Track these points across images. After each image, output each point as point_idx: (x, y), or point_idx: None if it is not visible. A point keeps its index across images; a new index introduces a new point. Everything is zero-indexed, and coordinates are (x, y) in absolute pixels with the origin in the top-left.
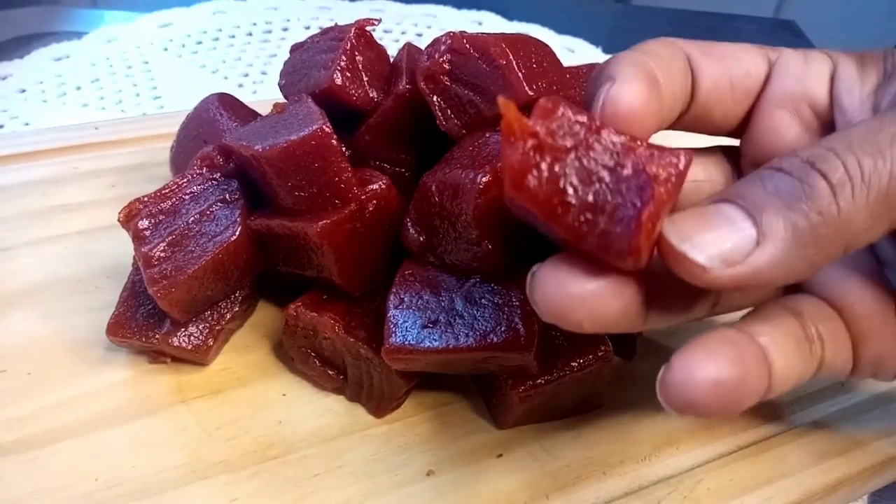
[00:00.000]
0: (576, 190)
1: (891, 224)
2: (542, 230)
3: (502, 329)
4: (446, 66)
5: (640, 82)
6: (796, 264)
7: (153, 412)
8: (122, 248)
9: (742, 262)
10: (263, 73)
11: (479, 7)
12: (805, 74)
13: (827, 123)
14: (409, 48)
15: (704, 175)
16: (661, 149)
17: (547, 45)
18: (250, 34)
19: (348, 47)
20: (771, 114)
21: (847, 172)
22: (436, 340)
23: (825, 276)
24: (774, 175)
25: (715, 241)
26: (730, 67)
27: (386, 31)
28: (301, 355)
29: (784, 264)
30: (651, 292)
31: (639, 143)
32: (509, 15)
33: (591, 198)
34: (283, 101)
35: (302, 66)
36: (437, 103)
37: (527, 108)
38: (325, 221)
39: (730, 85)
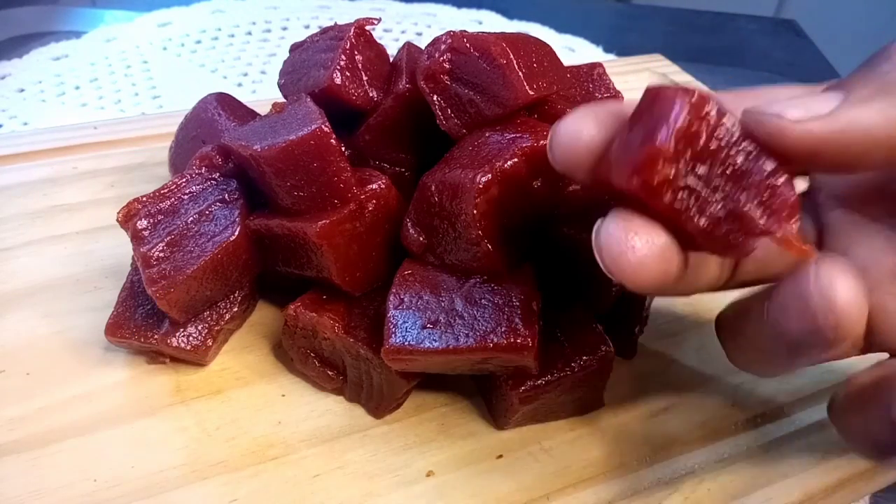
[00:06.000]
0: (706, 200)
1: None
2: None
3: (502, 329)
4: (446, 65)
5: None
6: (879, 119)
7: (152, 412)
8: (121, 248)
9: (829, 114)
10: (262, 73)
11: (479, 6)
12: None
13: None
14: (408, 47)
15: None
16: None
17: (547, 45)
18: (249, 33)
19: (348, 46)
20: None
21: None
22: (436, 341)
23: None
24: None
25: (799, 102)
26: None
27: (386, 31)
28: (300, 356)
29: (869, 119)
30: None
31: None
32: (510, 14)
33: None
34: (283, 100)
35: (301, 66)
36: (437, 103)
37: (528, 107)
38: (324, 221)
39: None
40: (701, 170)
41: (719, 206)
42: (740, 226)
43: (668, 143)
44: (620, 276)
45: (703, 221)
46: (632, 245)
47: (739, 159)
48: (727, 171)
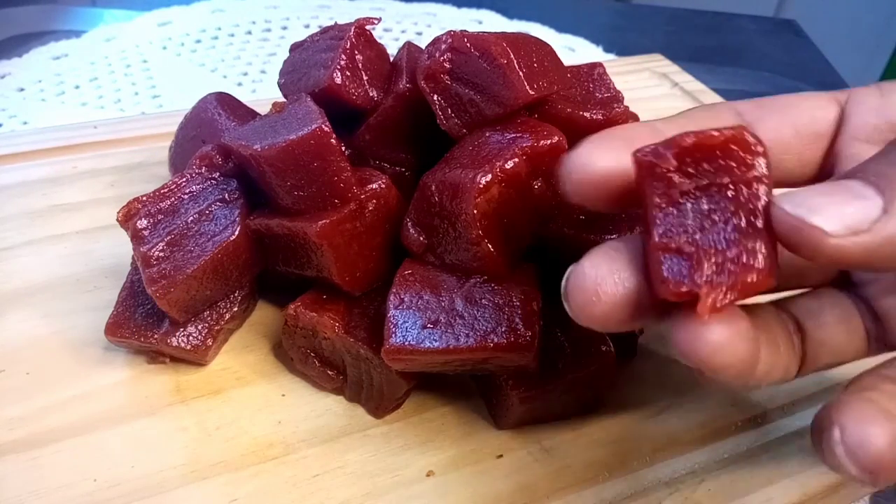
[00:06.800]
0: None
1: None
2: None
3: (503, 329)
4: (447, 64)
5: None
6: None
7: (152, 412)
8: (121, 248)
9: (868, 230)
10: (262, 72)
11: (479, 6)
12: (885, 105)
13: None
14: (409, 47)
15: None
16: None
17: (547, 44)
18: (249, 33)
19: (348, 46)
20: (857, 148)
21: None
22: (436, 341)
23: None
24: None
25: (837, 208)
26: (790, 115)
27: (386, 30)
28: (300, 355)
29: None
30: None
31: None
32: (510, 14)
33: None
34: (283, 100)
35: (301, 65)
36: (437, 102)
37: (528, 106)
38: (324, 221)
39: (794, 131)
40: (700, 189)
41: (696, 236)
42: (694, 264)
43: (676, 141)
44: (589, 323)
45: (677, 239)
46: (597, 291)
47: (732, 205)
48: (721, 208)
